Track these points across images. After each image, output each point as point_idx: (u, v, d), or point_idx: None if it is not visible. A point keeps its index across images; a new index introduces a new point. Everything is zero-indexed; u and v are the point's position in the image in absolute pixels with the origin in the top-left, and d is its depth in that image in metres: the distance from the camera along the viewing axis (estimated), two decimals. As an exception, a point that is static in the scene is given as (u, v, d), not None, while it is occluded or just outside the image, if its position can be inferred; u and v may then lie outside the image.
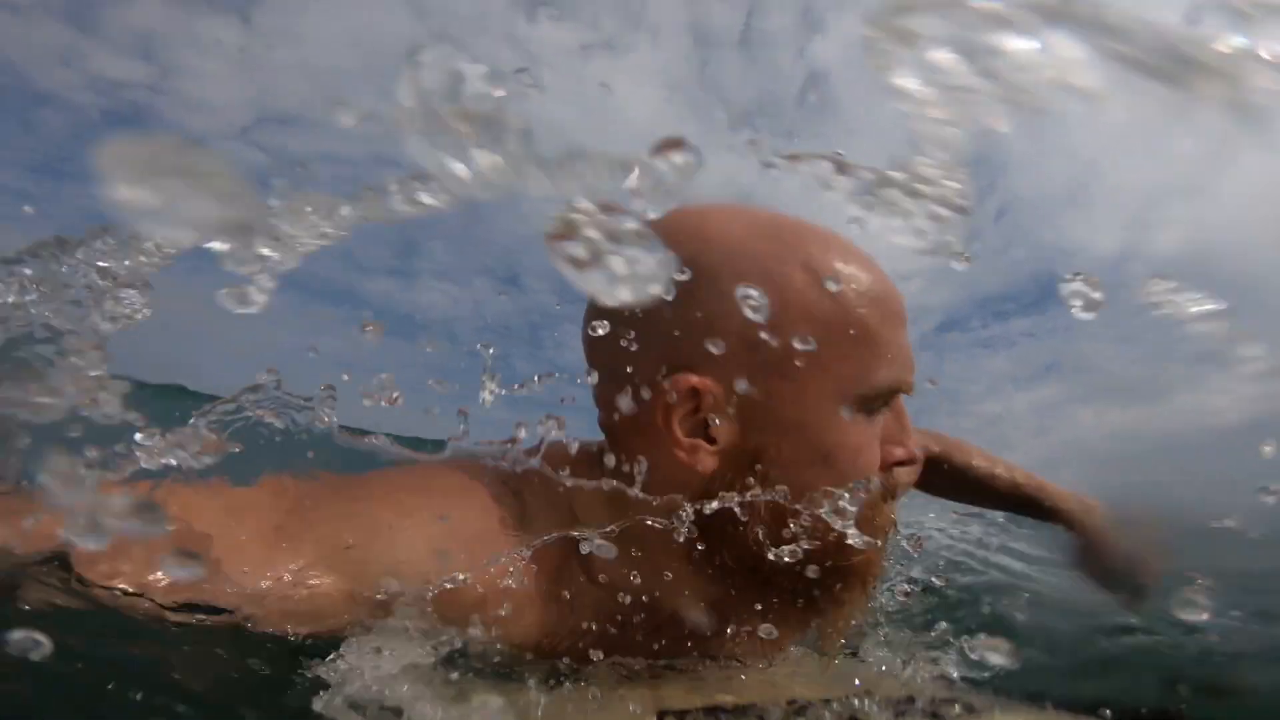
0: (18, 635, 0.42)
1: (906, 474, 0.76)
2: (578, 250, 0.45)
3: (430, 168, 0.46)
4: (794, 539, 0.66)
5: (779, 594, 0.71)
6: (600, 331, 0.69)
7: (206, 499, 0.64)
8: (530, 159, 0.45)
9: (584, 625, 0.69)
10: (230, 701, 0.54)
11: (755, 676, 0.72)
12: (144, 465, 0.56)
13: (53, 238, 0.63)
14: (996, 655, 0.63)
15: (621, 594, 0.69)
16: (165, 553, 0.53)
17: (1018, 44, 0.41)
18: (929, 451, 1.23)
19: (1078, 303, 0.61)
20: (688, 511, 0.66)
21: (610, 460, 0.69)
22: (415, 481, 0.73)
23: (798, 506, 0.66)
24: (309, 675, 0.56)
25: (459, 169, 0.44)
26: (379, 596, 0.62)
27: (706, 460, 0.67)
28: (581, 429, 0.75)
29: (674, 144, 0.45)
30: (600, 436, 0.75)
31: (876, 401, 0.70)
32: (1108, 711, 0.68)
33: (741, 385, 0.65)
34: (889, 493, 0.73)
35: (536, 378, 0.72)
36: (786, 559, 0.65)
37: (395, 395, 0.67)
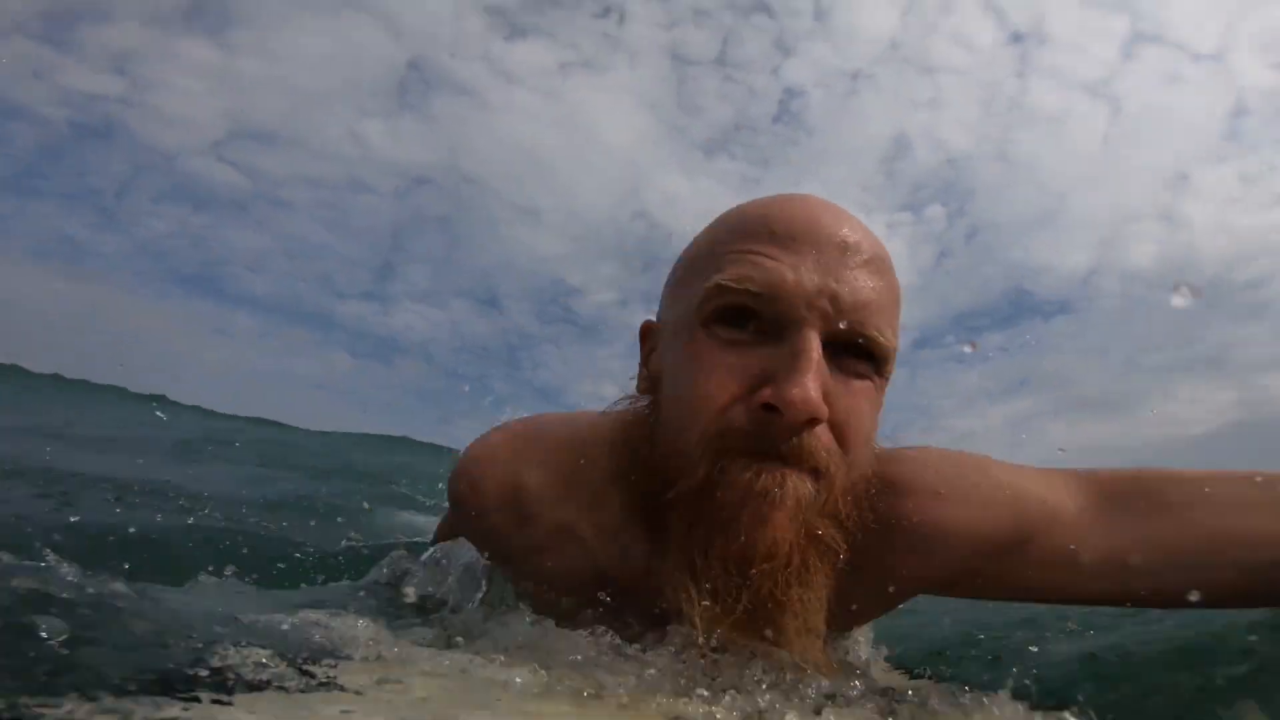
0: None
1: (796, 430, 0.60)
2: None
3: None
4: (664, 462, 0.67)
5: (656, 521, 0.67)
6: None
7: None
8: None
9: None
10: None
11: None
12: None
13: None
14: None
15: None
16: None
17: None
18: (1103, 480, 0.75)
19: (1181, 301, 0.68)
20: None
21: None
22: None
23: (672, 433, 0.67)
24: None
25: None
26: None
27: (641, 383, 0.77)
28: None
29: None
30: None
31: (706, 314, 0.65)
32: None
33: (656, 320, 0.78)
34: (758, 444, 0.61)
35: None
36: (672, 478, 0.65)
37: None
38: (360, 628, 0.67)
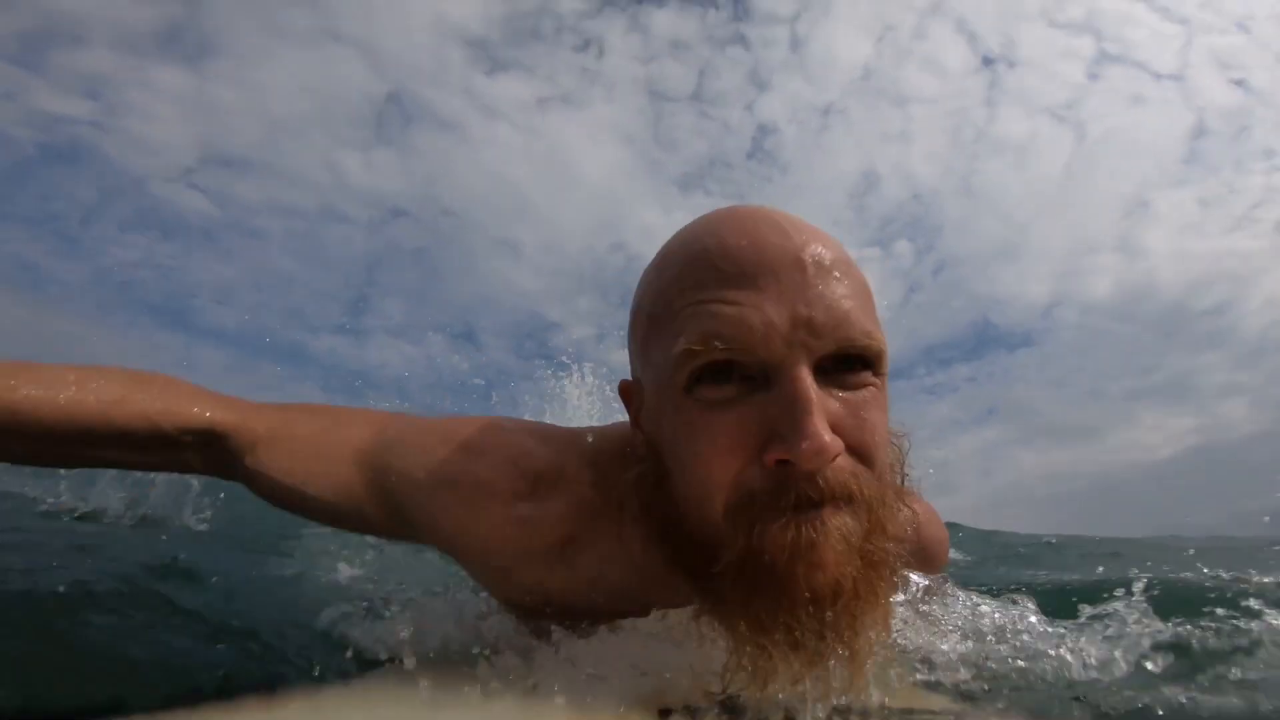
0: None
1: (810, 476, 0.59)
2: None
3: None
4: (680, 523, 0.67)
5: (704, 583, 0.66)
6: None
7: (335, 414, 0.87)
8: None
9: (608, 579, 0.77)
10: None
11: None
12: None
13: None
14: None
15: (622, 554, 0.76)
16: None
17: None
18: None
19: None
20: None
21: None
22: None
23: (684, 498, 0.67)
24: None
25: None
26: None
27: (639, 447, 0.74)
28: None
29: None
30: None
31: (684, 381, 0.62)
32: None
33: (637, 382, 0.75)
34: (784, 498, 0.59)
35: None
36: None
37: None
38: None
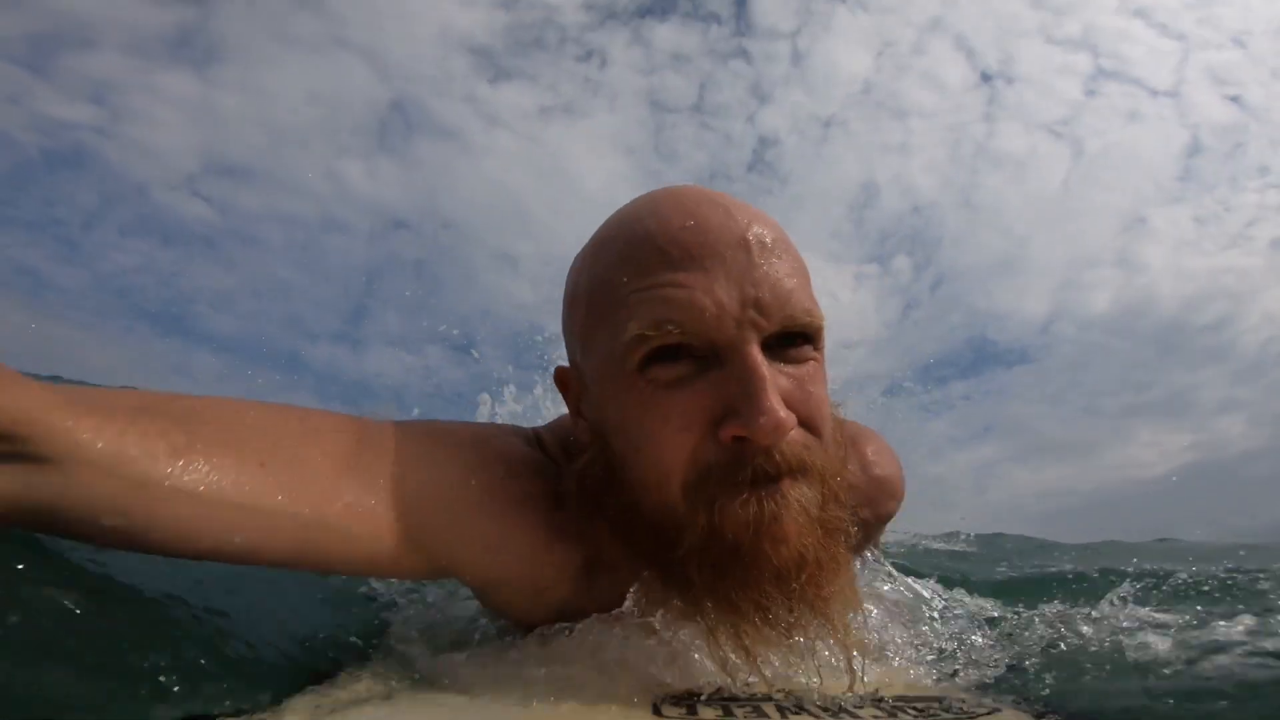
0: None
1: (766, 452, 0.60)
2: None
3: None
4: (636, 509, 0.67)
5: (668, 569, 0.66)
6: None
7: (285, 415, 0.65)
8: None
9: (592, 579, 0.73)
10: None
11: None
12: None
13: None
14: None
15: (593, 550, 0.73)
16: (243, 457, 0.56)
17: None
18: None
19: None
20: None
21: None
22: (477, 441, 0.75)
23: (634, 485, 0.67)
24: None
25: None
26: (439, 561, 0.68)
27: (582, 434, 0.74)
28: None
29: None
30: None
31: (636, 364, 0.63)
32: None
33: (576, 368, 0.75)
34: (741, 473, 0.60)
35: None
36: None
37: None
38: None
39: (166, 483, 0.53)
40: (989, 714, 0.63)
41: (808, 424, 0.64)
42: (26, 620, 0.47)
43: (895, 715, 0.61)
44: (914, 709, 0.64)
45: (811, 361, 0.66)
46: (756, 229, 0.65)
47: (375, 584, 1.06)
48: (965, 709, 0.65)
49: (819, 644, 0.67)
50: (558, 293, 0.79)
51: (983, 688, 0.79)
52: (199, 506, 0.55)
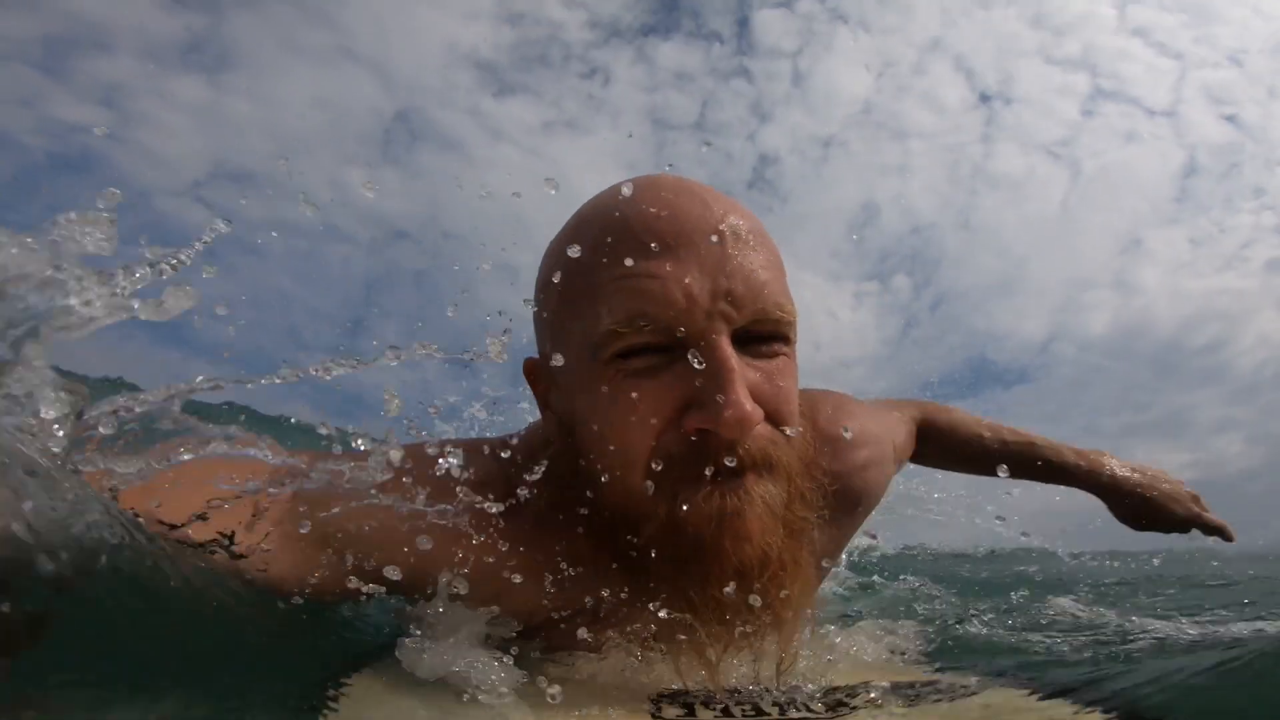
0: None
1: (732, 445, 0.59)
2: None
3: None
4: (601, 499, 0.66)
5: (629, 563, 0.65)
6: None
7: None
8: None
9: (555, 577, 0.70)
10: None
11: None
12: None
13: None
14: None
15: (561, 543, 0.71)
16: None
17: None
18: (919, 419, 1.15)
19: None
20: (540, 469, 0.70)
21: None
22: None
23: (599, 470, 0.65)
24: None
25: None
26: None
27: (550, 426, 0.73)
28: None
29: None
30: None
31: (608, 356, 0.62)
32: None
33: (545, 359, 0.73)
34: (704, 466, 0.59)
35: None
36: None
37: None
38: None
39: None
40: (974, 693, 0.63)
41: (775, 419, 0.63)
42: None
43: (887, 702, 0.61)
44: (906, 695, 0.63)
45: (782, 356, 0.65)
46: (732, 219, 0.64)
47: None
48: (956, 687, 0.65)
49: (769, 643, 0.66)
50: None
51: (965, 670, 0.81)
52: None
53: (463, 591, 0.67)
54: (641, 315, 0.60)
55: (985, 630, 1.01)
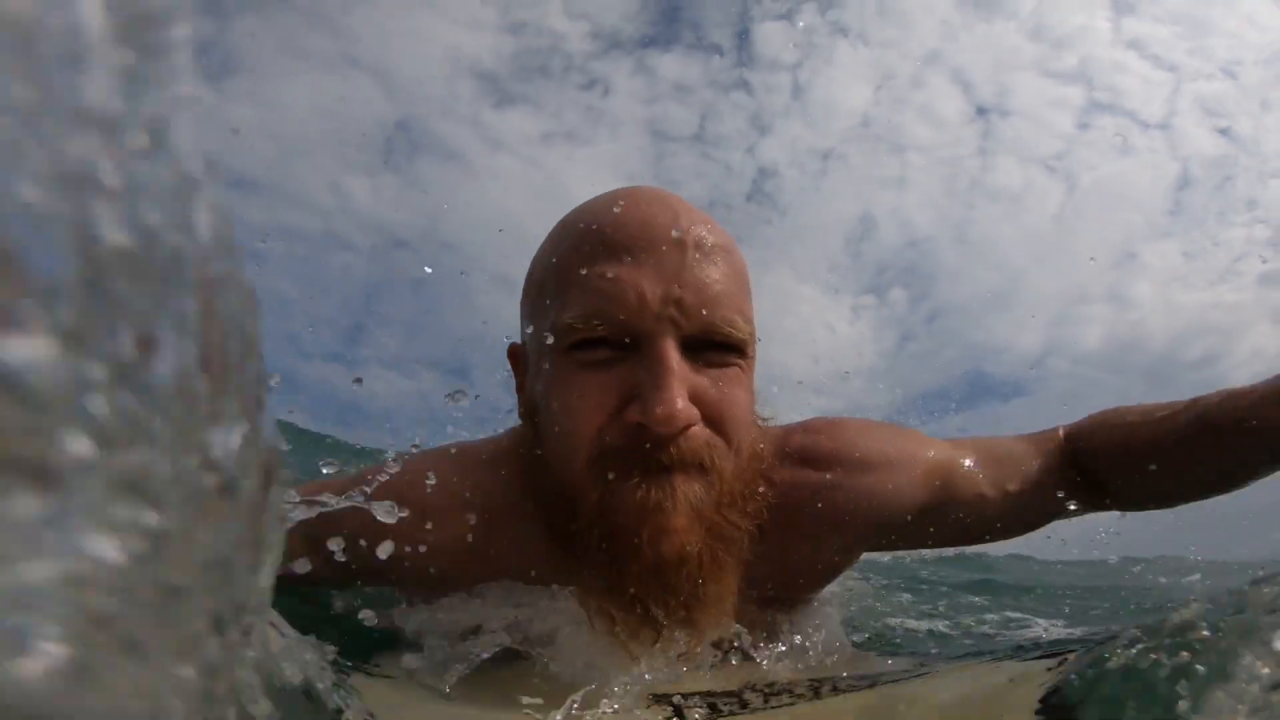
0: None
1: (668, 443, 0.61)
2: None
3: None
4: (551, 483, 0.69)
5: (568, 546, 0.68)
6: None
7: None
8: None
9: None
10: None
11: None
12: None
13: None
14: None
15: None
16: None
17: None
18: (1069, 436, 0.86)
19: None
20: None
21: None
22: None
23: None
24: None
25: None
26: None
27: (521, 409, 0.77)
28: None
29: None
30: None
31: (563, 347, 0.66)
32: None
33: (523, 346, 0.77)
34: (637, 458, 0.62)
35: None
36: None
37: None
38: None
39: None
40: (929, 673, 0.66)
41: (715, 424, 0.65)
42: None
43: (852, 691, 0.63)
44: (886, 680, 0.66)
45: (734, 367, 0.68)
46: (699, 231, 0.67)
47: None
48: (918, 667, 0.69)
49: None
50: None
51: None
52: None
53: (433, 571, 0.72)
54: (598, 313, 0.64)
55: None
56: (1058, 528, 0.90)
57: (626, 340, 0.64)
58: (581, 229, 0.69)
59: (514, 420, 0.81)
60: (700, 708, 0.60)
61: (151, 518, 0.19)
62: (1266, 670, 0.39)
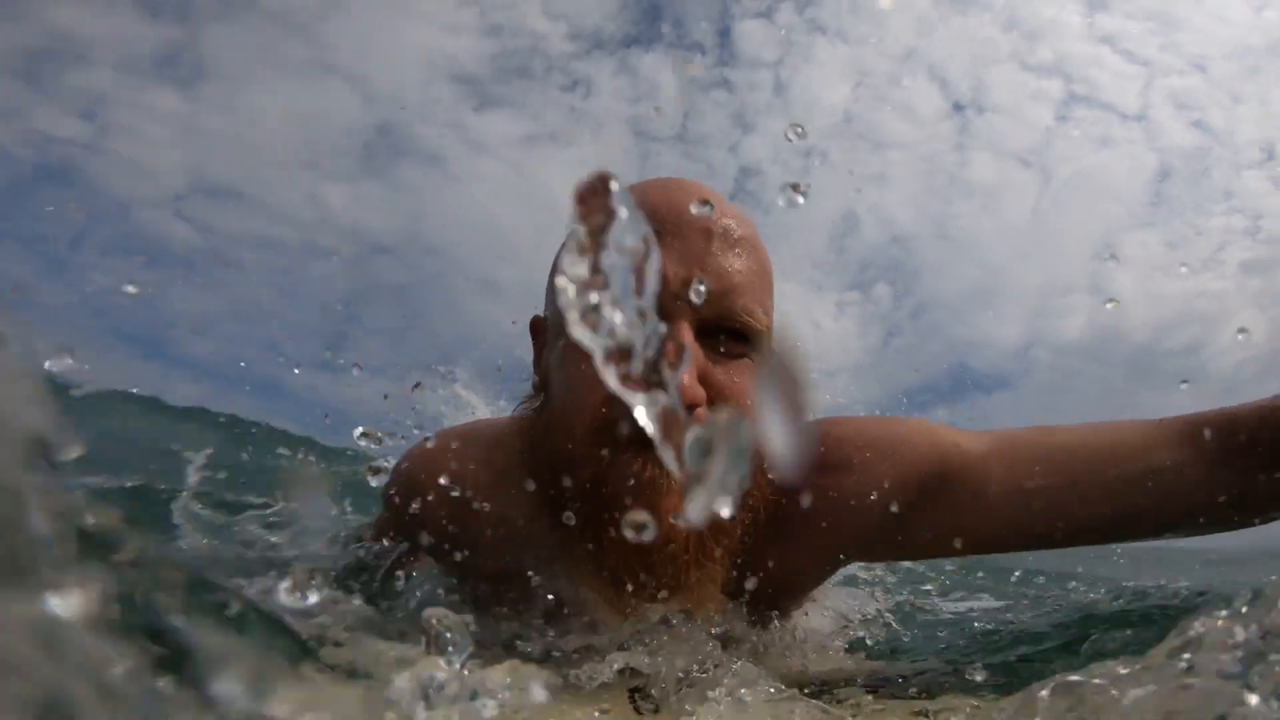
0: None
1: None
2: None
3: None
4: (551, 451, 0.70)
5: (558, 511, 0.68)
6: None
7: None
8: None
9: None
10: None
11: None
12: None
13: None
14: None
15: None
16: None
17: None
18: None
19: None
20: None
21: None
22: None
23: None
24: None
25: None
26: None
27: (537, 379, 0.78)
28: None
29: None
30: None
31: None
32: None
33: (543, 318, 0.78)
34: (640, 431, 0.57)
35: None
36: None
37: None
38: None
39: None
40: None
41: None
42: None
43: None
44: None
45: (745, 358, 0.68)
46: (727, 222, 0.68)
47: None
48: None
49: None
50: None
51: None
52: None
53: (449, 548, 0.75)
54: None
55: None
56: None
57: None
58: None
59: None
60: (658, 688, 0.60)
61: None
62: None
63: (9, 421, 0.39)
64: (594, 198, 0.74)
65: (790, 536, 0.76)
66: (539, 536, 0.73)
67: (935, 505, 0.75)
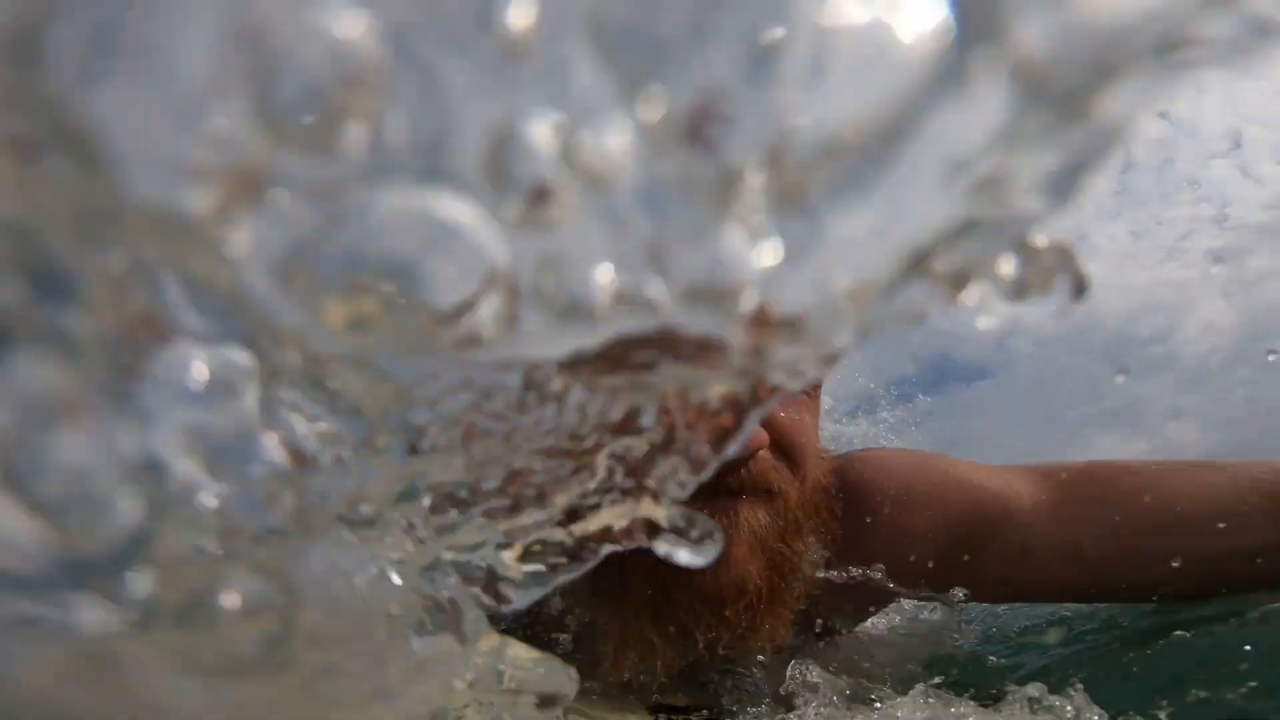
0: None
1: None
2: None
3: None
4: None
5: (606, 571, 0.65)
6: None
7: None
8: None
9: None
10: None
11: None
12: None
13: None
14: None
15: None
16: None
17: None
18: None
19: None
20: None
21: None
22: None
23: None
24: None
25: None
26: None
27: None
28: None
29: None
30: None
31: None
32: None
33: None
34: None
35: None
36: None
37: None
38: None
39: None
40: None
41: (784, 448, 0.63)
42: None
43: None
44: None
45: (803, 393, 0.64)
46: None
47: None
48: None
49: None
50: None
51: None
52: None
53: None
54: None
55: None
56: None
57: None
58: None
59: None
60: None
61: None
62: None
63: None
64: None
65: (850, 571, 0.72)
66: (590, 591, 0.68)
67: (979, 560, 0.72)
